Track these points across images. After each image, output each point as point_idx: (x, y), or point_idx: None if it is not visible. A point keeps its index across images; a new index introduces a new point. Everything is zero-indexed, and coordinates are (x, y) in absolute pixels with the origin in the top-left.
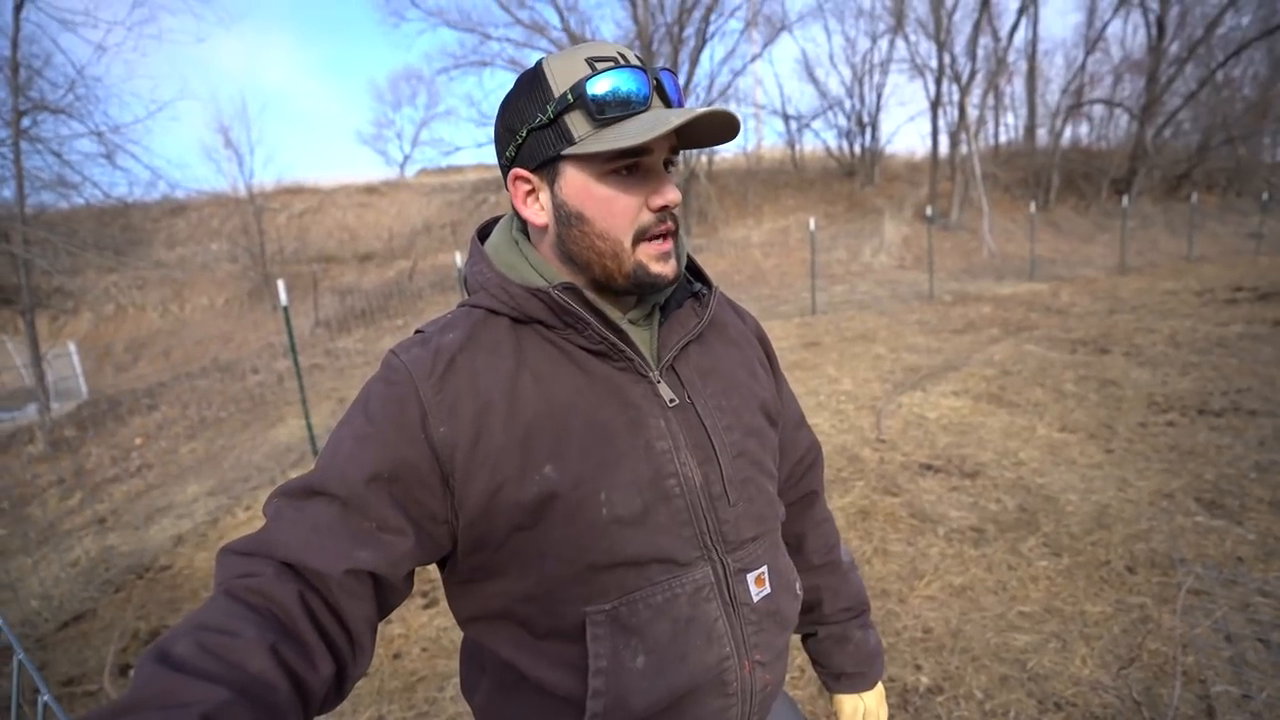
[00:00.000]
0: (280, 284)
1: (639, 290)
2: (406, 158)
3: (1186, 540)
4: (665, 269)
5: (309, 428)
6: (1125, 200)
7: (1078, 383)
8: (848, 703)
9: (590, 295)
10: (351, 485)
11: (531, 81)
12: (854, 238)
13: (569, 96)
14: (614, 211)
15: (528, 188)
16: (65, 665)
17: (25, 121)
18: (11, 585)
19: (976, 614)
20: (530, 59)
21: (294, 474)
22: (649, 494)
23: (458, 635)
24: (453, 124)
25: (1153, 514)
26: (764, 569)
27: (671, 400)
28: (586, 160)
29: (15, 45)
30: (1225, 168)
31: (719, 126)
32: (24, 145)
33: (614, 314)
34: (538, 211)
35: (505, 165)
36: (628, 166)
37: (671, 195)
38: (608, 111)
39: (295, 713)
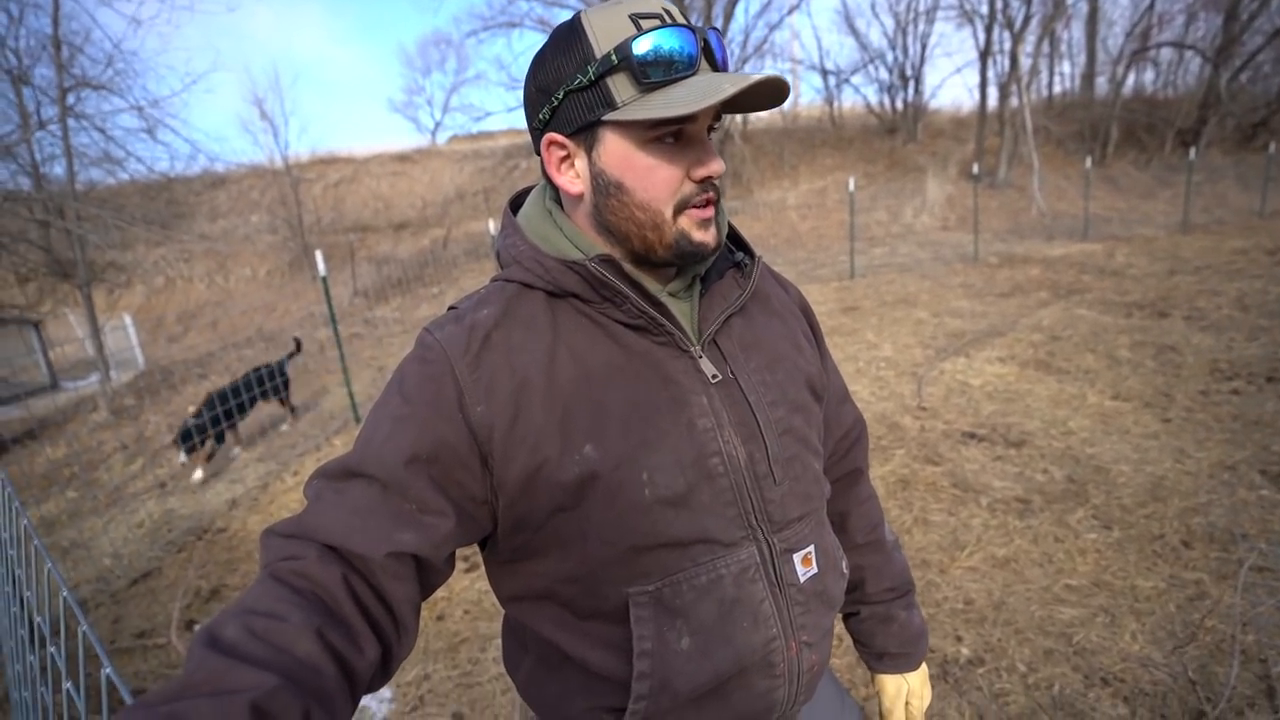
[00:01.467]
0: (319, 254)
1: (681, 260)
2: (438, 124)
3: (1249, 515)
4: (707, 237)
5: (350, 396)
6: (1192, 152)
7: (1133, 348)
8: (891, 683)
9: (628, 267)
10: (390, 467)
11: (569, 38)
12: (894, 198)
13: (613, 57)
14: (655, 181)
15: (563, 154)
16: (136, 620)
17: (70, 98)
18: (86, 544)
19: (1020, 586)
20: (559, 19)
21: (338, 441)
22: (692, 473)
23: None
24: (483, 88)
25: (1212, 487)
26: (811, 548)
27: (714, 376)
28: (628, 127)
29: (56, 22)
30: None
31: (768, 92)
32: (70, 122)
33: (653, 286)
34: (573, 179)
35: (538, 129)
36: (673, 134)
37: (715, 165)
38: (654, 74)
39: (342, 695)
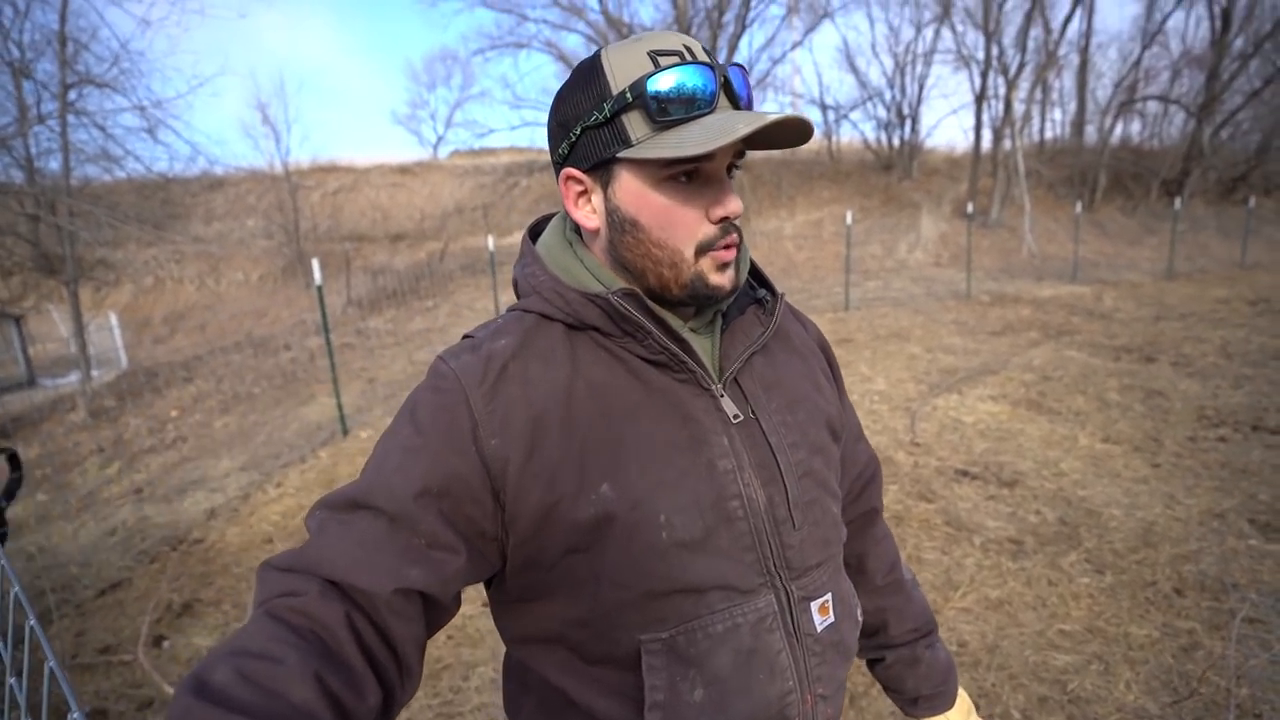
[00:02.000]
0: (315, 263)
1: (695, 301)
2: (440, 139)
3: (1239, 564)
4: (724, 279)
5: (339, 407)
6: (1177, 202)
7: (1122, 392)
8: None
9: (650, 302)
10: (400, 500)
11: (588, 75)
12: (889, 233)
13: (628, 95)
14: (672, 221)
15: (580, 189)
16: (101, 633)
17: (71, 95)
18: (53, 551)
19: (1014, 630)
20: (567, 41)
21: (324, 453)
22: (711, 516)
23: (483, 623)
24: (487, 106)
25: (1202, 534)
26: (828, 596)
27: (735, 416)
28: (643, 165)
29: (63, 19)
30: None
31: (790, 131)
32: (70, 118)
33: (675, 322)
34: (589, 214)
35: (557, 163)
36: (687, 173)
37: (733, 206)
38: (670, 113)
39: None
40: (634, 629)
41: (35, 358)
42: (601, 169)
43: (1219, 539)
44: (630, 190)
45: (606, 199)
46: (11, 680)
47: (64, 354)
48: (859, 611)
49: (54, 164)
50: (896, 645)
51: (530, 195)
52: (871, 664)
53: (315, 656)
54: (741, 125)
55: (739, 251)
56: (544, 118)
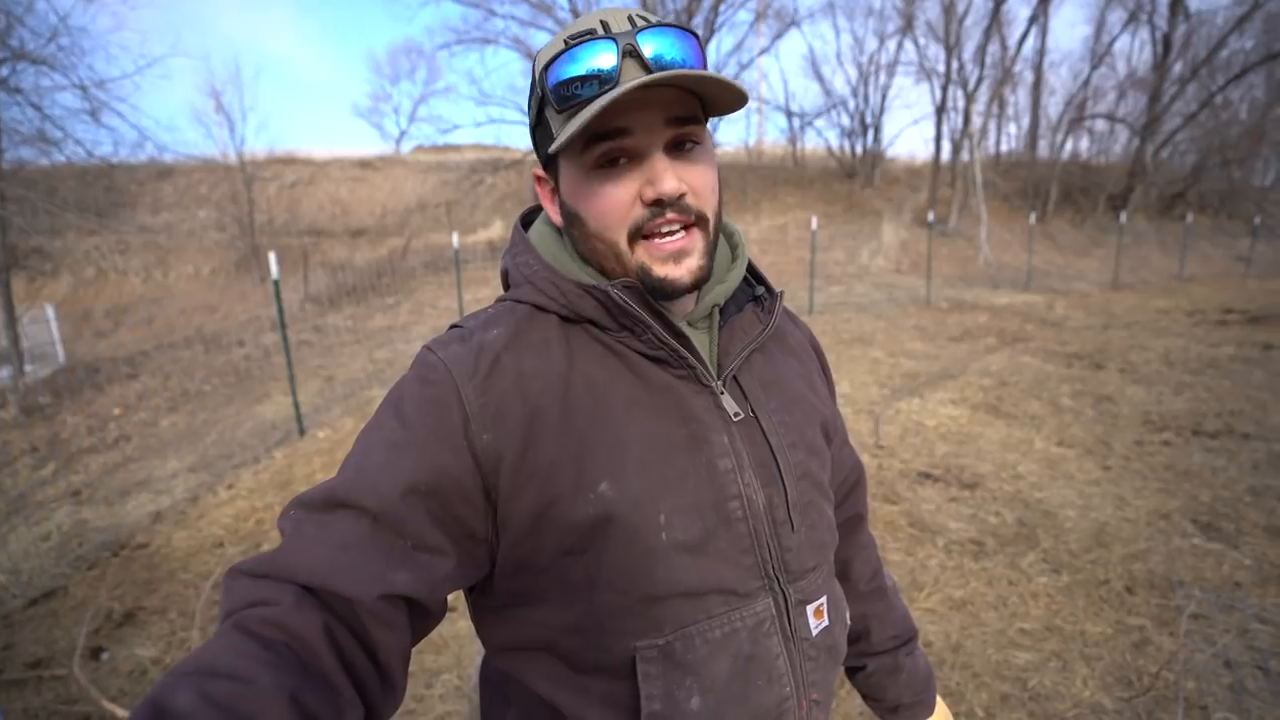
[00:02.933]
0: (272, 256)
1: (654, 296)
2: (403, 133)
3: (1184, 563)
4: (674, 271)
5: (296, 406)
6: (1122, 216)
7: (1074, 397)
8: None
9: (649, 296)
10: (385, 497)
11: (531, 76)
12: (852, 239)
13: (538, 89)
14: (605, 209)
15: (549, 186)
16: (32, 646)
17: (3, 70)
18: None
19: (977, 629)
20: (535, 39)
21: (279, 454)
22: (710, 518)
23: (447, 629)
24: (452, 102)
25: (1150, 534)
26: (823, 600)
27: (736, 414)
28: (570, 155)
29: None
30: (1219, 190)
31: (723, 94)
32: (2, 96)
33: (674, 316)
34: (556, 211)
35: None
36: (609, 158)
37: (666, 185)
38: (577, 96)
39: None
40: (629, 635)
41: None
42: (551, 166)
43: (1165, 538)
44: (570, 182)
45: (559, 194)
46: None
47: None
48: (848, 615)
49: None
50: (878, 653)
51: (495, 193)
52: (851, 672)
53: (290, 674)
54: (617, 91)
55: (703, 238)
56: (511, 115)
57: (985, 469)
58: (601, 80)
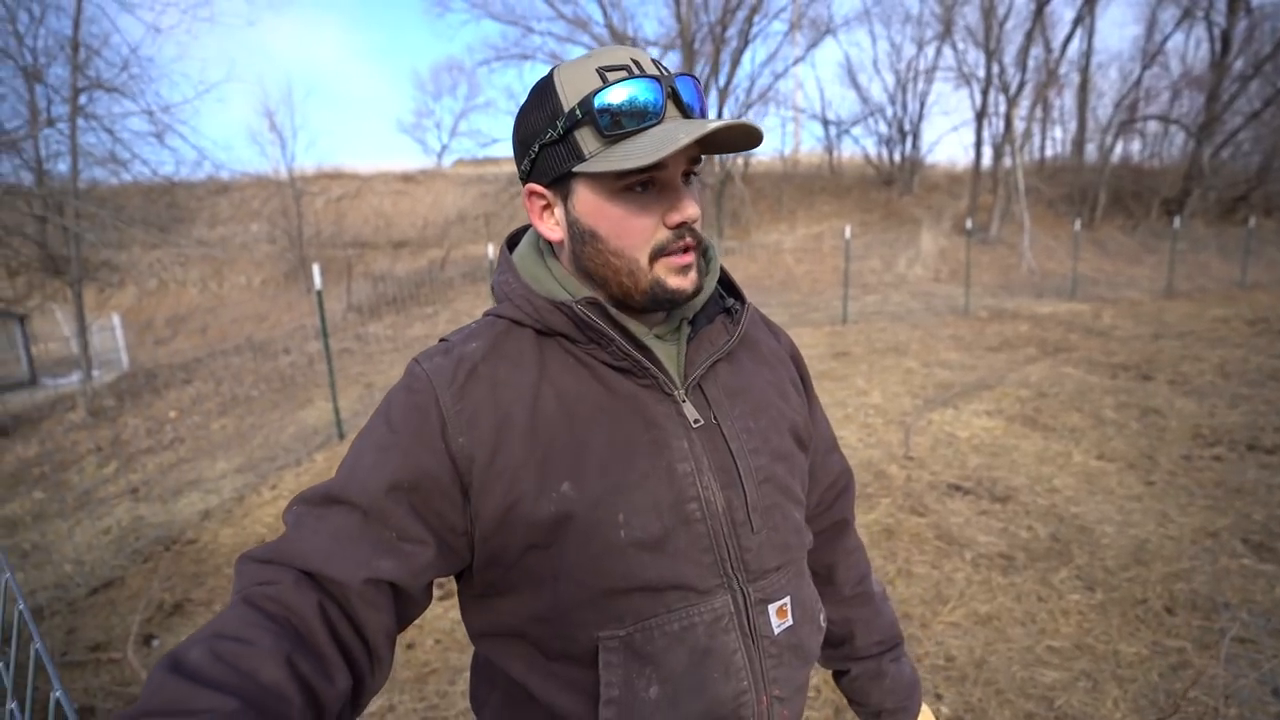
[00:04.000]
0: (316, 268)
1: (657, 306)
2: (444, 147)
3: (1231, 584)
4: (684, 282)
5: (336, 411)
6: (1176, 221)
7: (1118, 409)
8: None
9: (613, 310)
10: (372, 494)
11: (543, 94)
12: (889, 247)
13: (578, 112)
14: (628, 230)
15: (543, 203)
16: (93, 631)
17: (82, 99)
18: (47, 548)
19: (1002, 645)
20: (572, 54)
21: (319, 457)
22: (669, 518)
23: None
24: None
25: (1195, 553)
26: (786, 600)
27: (696, 421)
28: (598, 178)
29: (77, 25)
30: None
31: (740, 135)
32: (80, 122)
33: (639, 329)
34: (553, 227)
35: (522, 178)
36: (641, 183)
37: (689, 211)
38: (619, 126)
39: None
40: (592, 626)
41: (38, 357)
42: (560, 183)
43: (1212, 558)
44: (587, 203)
45: (567, 211)
46: (12, 704)
47: (66, 354)
48: (822, 617)
49: (63, 166)
50: (862, 658)
51: None
52: (837, 676)
53: (287, 641)
54: (682, 134)
55: (703, 256)
56: None
57: (1019, 482)
58: (647, 116)
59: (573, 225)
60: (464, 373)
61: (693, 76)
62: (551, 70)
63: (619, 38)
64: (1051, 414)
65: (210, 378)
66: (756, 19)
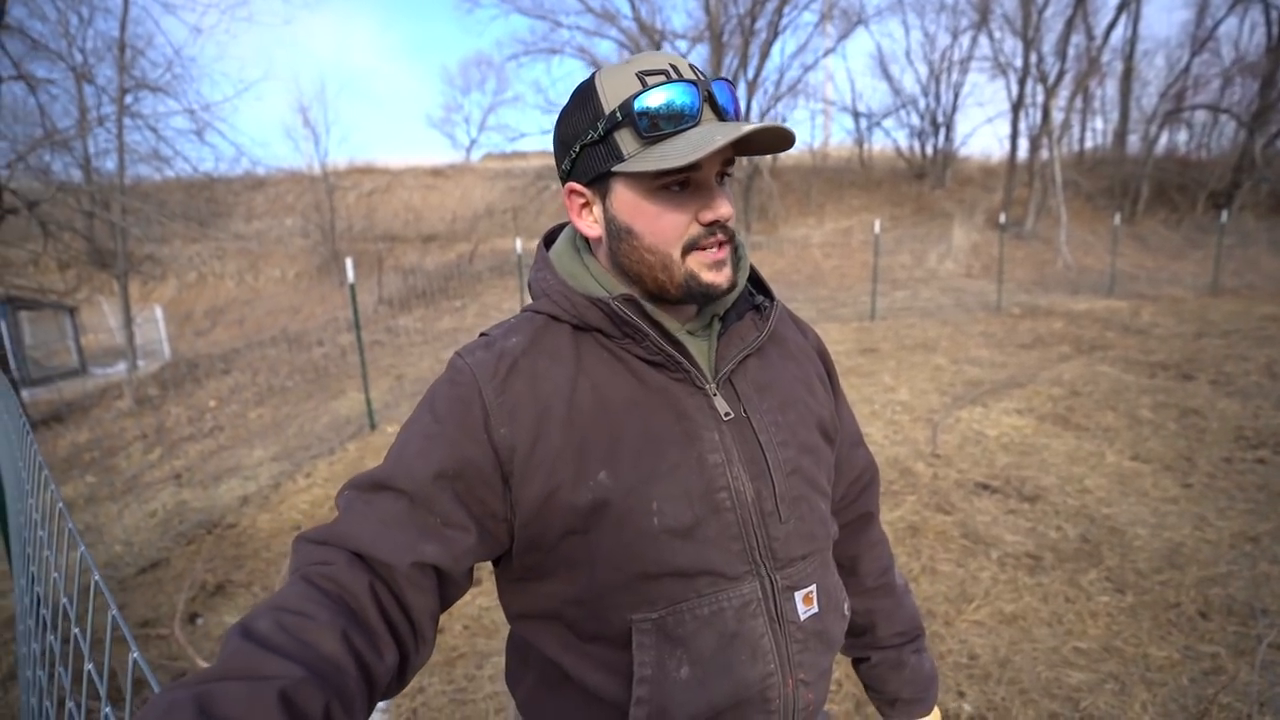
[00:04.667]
0: (349, 261)
1: (692, 299)
2: (473, 142)
3: (1271, 590)
4: (718, 277)
5: (368, 402)
6: (1224, 215)
7: (1155, 409)
8: None
9: (649, 306)
10: (418, 481)
11: (584, 96)
12: (920, 242)
13: (618, 114)
14: (663, 227)
15: (582, 201)
16: (141, 609)
17: (128, 99)
18: (99, 529)
19: (1028, 645)
20: (599, 48)
21: (351, 446)
22: (700, 506)
23: (499, 615)
24: (519, 110)
25: (1233, 557)
26: (813, 588)
27: (726, 414)
28: (635, 177)
29: (123, 27)
30: None
31: (774, 138)
32: (126, 121)
33: (672, 325)
34: (591, 224)
35: (562, 178)
36: (678, 183)
37: (722, 210)
38: (657, 128)
39: (361, 695)
40: (625, 609)
41: (86, 347)
42: (599, 182)
43: (1250, 563)
44: (625, 201)
45: (605, 209)
46: (89, 666)
47: (112, 344)
48: (846, 606)
49: (109, 164)
50: (883, 647)
51: (559, 198)
52: (856, 663)
53: (342, 616)
54: (719, 136)
55: (736, 253)
56: None
57: (1049, 482)
58: (684, 118)
59: (610, 222)
60: (505, 366)
61: (728, 80)
62: (593, 74)
63: (647, 30)
64: (1085, 413)
65: (247, 368)
66: (786, 10)
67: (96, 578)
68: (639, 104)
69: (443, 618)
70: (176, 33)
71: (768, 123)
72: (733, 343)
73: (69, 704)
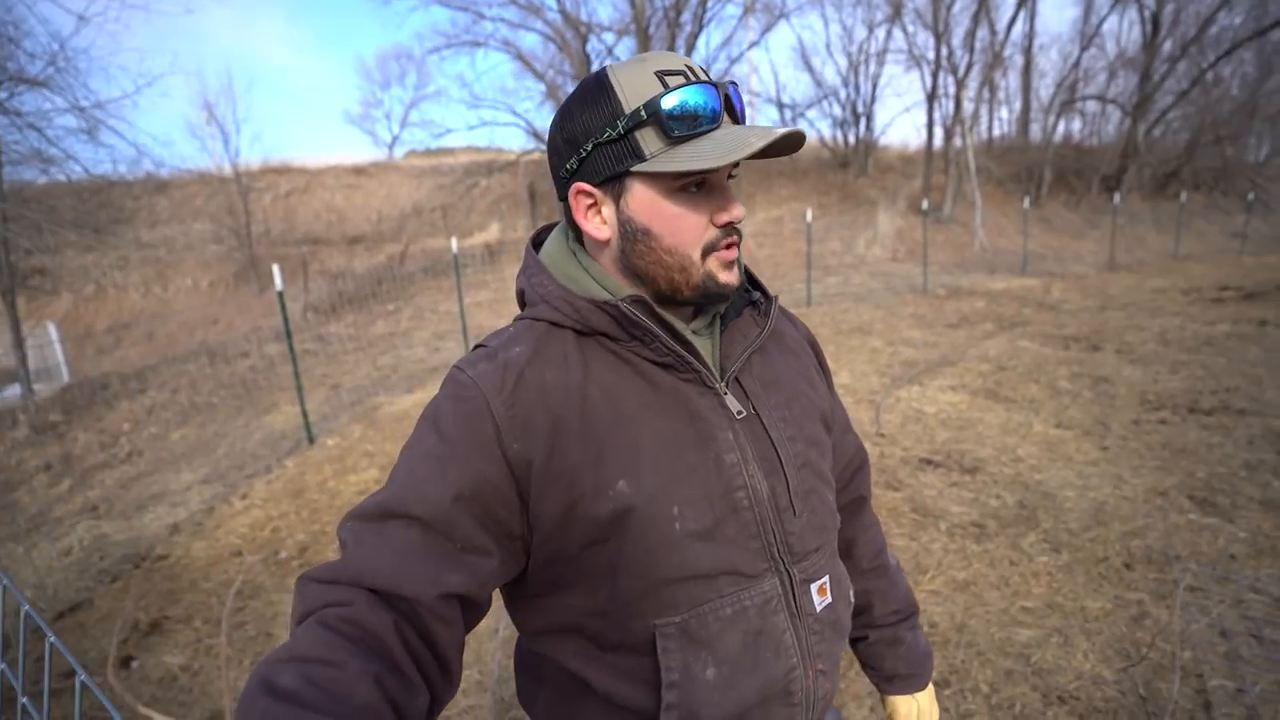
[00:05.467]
0: (275, 268)
1: (705, 300)
2: (395, 139)
3: (1181, 538)
4: (732, 277)
5: (305, 414)
6: (1116, 198)
7: (1071, 379)
8: (903, 704)
9: (658, 308)
10: (434, 506)
11: (596, 93)
12: (847, 229)
13: (642, 113)
14: (683, 228)
15: (589, 201)
16: (63, 658)
17: (2, 94)
18: (5, 573)
19: (980, 609)
20: (525, 40)
21: (290, 462)
22: (720, 507)
23: (480, 625)
24: (444, 105)
25: (1148, 511)
26: (826, 578)
27: (739, 412)
28: (656, 178)
29: None
30: (1212, 167)
31: (789, 142)
32: (1, 119)
33: (680, 325)
34: (599, 226)
35: (564, 178)
36: (696, 184)
37: (737, 211)
38: (681, 129)
39: None
40: (649, 615)
41: None
42: (613, 182)
43: (1162, 515)
44: (643, 201)
45: (619, 210)
46: (24, 700)
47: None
48: (851, 593)
49: None
50: (880, 625)
51: (490, 195)
52: (854, 642)
53: (373, 661)
54: (754, 139)
55: (740, 253)
56: (503, 117)
57: (985, 453)
58: (706, 120)
59: (625, 224)
60: (512, 378)
61: (735, 84)
62: (604, 71)
63: (573, 23)
64: (1011, 386)
65: (165, 386)
66: (710, 3)
67: (26, 609)
68: (665, 104)
69: None
70: (57, 21)
71: (793, 127)
72: (736, 340)
73: None
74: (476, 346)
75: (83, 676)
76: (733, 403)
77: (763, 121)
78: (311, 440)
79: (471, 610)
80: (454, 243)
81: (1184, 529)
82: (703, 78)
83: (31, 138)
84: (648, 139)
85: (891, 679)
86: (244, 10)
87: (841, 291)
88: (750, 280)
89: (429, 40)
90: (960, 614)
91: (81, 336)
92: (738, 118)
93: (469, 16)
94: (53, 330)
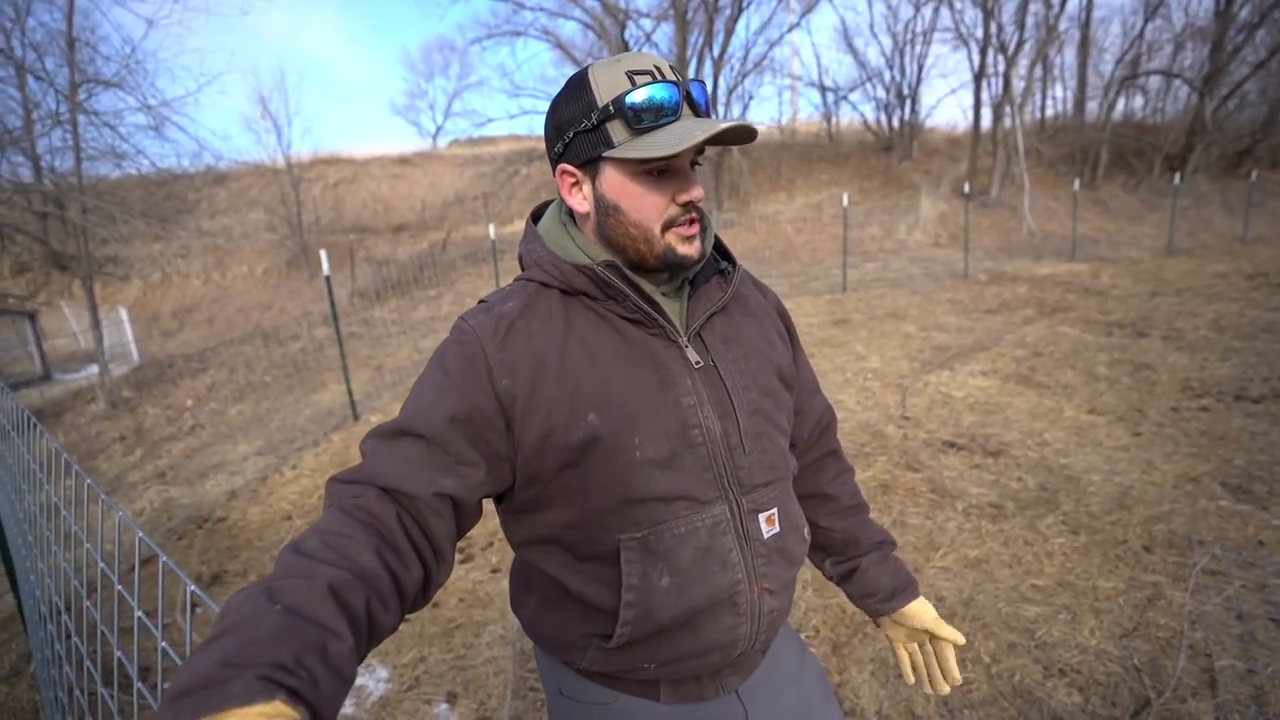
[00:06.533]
0: (323, 254)
1: (668, 268)
2: (439, 129)
3: (1208, 524)
4: (691, 250)
5: (350, 393)
6: (1179, 178)
7: (1111, 366)
8: (917, 604)
9: (628, 272)
10: (434, 426)
11: (578, 89)
12: (888, 214)
13: (610, 108)
14: (645, 206)
15: (572, 180)
16: (140, 602)
17: (81, 94)
18: (84, 531)
19: (990, 585)
20: (564, 29)
21: (336, 437)
22: (676, 441)
23: (491, 587)
24: (485, 95)
25: (1175, 497)
26: (774, 511)
27: (697, 362)
28: (622, 162)
29: (69, 19)
30: None
31: (741, 133)
32: (80, 118)
33: (649, 287)
34: (580, 201)
35: (554, 159)
36: (659, 169)
37: (695, 192)
38: (643, 121)
39: (394, 599)
40: (614, 530)
41: (48, 353)
42: (590, 165)
43: (1191, 501)
44: (613, 182)
45: (595, 188)
46: (140, 614)
47: (75, 349)
48: (806, 531)
49: (61, 162)
50: (869, 552)
51: (530, 183)
52: (847, 579)
53: (375, 537)
54: (699, 132)
55: (703, 228)
56: (542, 106)
57: (1011, 437)
58: (666, 113)
59: (599, 200)
60: (504, 327)
61: (701, 82)
62: (586, 68)
63: (611, 10)
64: (1046, 372)
65: (223, 366)
66: None
67: (140, 535)
68: (630, 100)
69: (439, 594)
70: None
71: (736, 120)
72: (701, 302)
73: (101, 691)
74: (480, 302)
75: (192, 587)
76: (693, 354)
77: (803, 103)
78: (356, 417)
79: (462, 513)
80: (492, 230)
81: (1212, 514)
82: (669, 77)
83: (106, 135)
84: (616, 129)
85: (893, 594)
86: (293, 8)
87: (879, 277)
88: (721, 251)
89: (471, 31)
90: (969, 589)
91: (149, 320)
92: (699, 111)
93: (509, 6)
94: (124, 314)
